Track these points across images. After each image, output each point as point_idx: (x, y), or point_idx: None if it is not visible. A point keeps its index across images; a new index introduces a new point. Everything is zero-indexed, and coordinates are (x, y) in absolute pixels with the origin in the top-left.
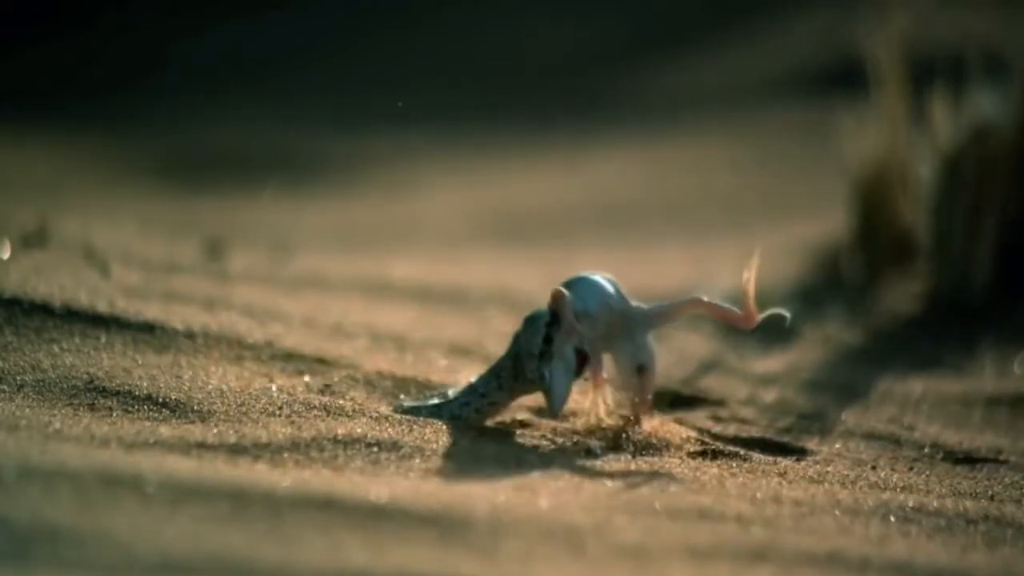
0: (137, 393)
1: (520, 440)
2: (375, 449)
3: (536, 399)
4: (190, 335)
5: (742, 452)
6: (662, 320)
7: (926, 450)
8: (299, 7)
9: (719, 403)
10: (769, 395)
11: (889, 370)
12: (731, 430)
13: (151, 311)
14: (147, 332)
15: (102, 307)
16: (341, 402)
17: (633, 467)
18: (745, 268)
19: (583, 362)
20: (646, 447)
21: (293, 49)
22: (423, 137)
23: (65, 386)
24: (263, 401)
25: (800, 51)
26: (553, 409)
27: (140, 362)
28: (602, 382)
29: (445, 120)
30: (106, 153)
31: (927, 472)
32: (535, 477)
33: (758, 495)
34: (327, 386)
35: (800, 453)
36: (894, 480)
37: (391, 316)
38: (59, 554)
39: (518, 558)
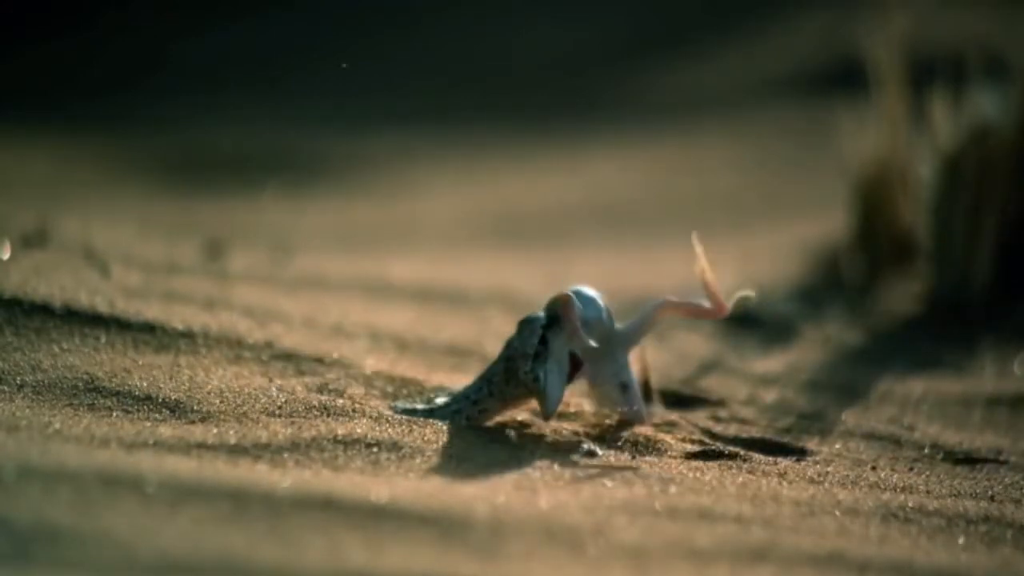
0: (137, 393)
1: (520, 440)
2: (375, 449)
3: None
4: (190, 335)
5: (742, 452)
6: (640, 335)
7: (926, 450)
8: (299, 7)
9: (719, 403)
10: (769, 395)
11: (889, 370)
12: (731, 430)
13: (151, 311)
14: (147, 332)
15: (102, 307)
16: (341, 402)
17: (633, 467)
18: (696, 263)
19: (575, 368)
20: (646, 447)
21: (293, 49)
22: (423, 137)
23: (65, 386)
24: (263, 401)
25: (800, 51)
26: (547, 411)
27: (140, 362)
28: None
29: (445, 120)
30: (106, 153)
31: (927, 472)
32: (535, 477)
33: (758, 495)
34: (327, 386)
35: (800, 453)
36: (894, 480)
37: (391, 316)
38: (59, 554)
39: (518, 558)
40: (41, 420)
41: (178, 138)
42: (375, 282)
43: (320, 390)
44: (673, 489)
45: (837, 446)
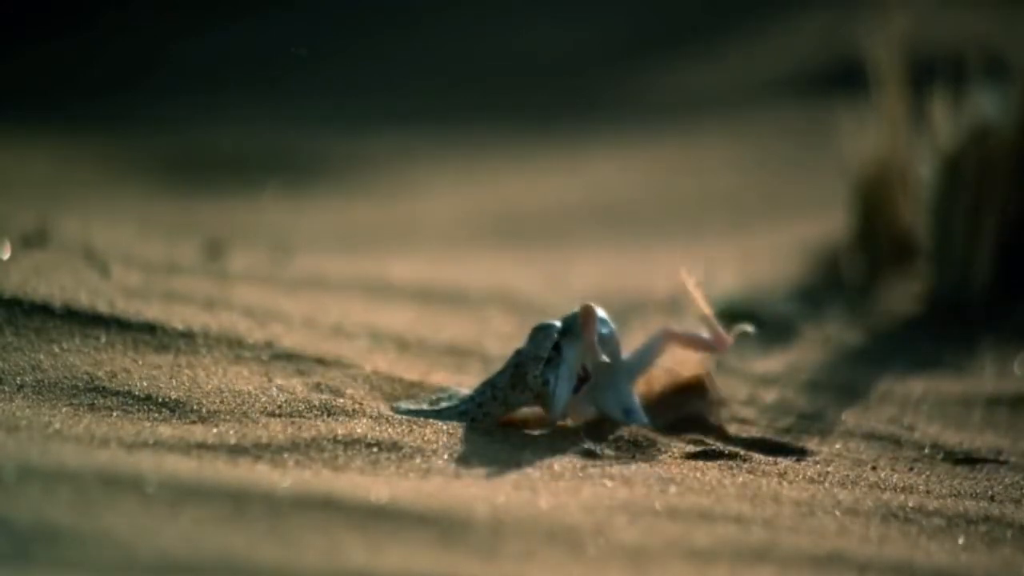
0: (137, 393)
1: (520, 440)
2: (375, 449)
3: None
4: (190, 335)
5: (742, 452)
6: (644, 367)
7: (926, 450)
8: (299, 7)
9: (719, 403)
10: (769, 395)
11: (889, 370)
12: (731, 430)
13: (151, 311)
14: (147, 332)
15: (102, 307)
16: (341, 402)
17: (633, 467)
18: (693, 301)
19: (582, 381)
20: (646, 447)
21: (293, 49)
22: (423, 137)
23: (65, 386)
24: (263, 401)
25: (800, 51)
26: (553, 414)
27: (140, 362)
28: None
29: (445, 120)
30: (106, 153)
31: (927, 472)
32: (535, 477)
33: (758, 495)
34: (327, 386)
35: (800, 453)
36: (894, 480)
37: (391, 316)
38: (59, 554)
39: (518, 558)
40: (41, 420)
41: (178, 138)
42: (375, 282)
43: (320, 390)
44: (673, 489)
45: (837, 446)
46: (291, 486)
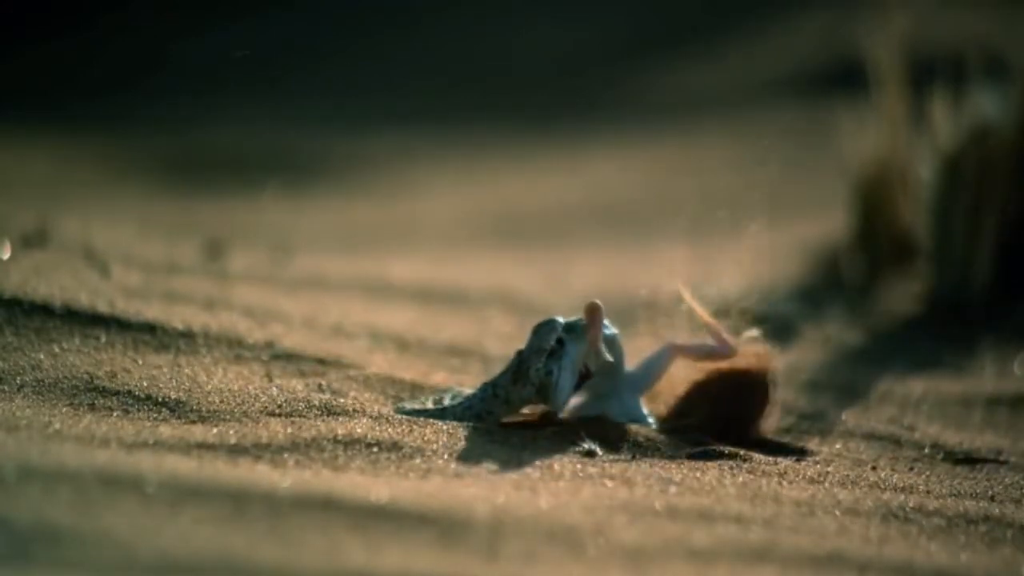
0: (137, 393)
1: (520, 440)
2: (375, 449)
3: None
4: (190, 335)
5: (742, 452)
6: (650, 381)
7: (926, 450)
8: (299, 7)
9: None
10: None
11: (889, 370)
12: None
13: (151, 311)
14: (147, 332)
15: (102, 307)
16: (341, 402)
17: (633, 468)
18: (693, 311)
19: (583, 378)
20: (646, 447)
21: (293, 49)
22: (423, 137)
23: (65, 386)
24: (263, 401)
25: (800, 51)
26: (556, 404)
27: (140, 362)
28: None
29: (445, 120)
30: (106, 153)
31: (927, 472)
32: (535, 477)
33: (758, 495)
34: (327, 386)
35: (800, 453)
36: (894, 480)
37: (391, 316)
38: (59, 554)
39: (518, 558)
40: (41, 420)
41: (178, 138)
42: (375, 282)
43: (320, 390)
44: (673, 489)
45: (837, 446)
46: (291, 486)
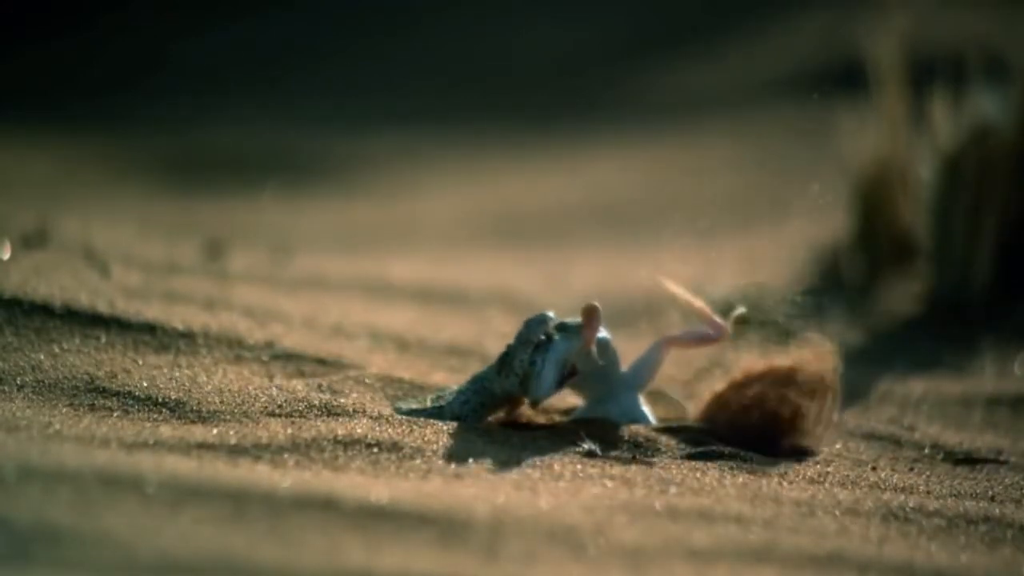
0: (137, 393)
1: (520, 440)
2: (375, 450)
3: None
4: (190, 336)
5: (742, 453)
6: (646, 378)
7: (926, 451)
8: (299, 7)
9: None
10: None
11: (889, 370)
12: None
13: (151, 312)
14: (147, 333)
15: (102, 307)
16: (341, 402)
17: (633, 468)
18: (676, 298)
19: (568, 376)
20: (646, 447)
21: (293, 49)
22: (423, 137)
23: (65, 386)
24: (263, 401)
25: (800, 51)
26: (535, 394)
27: (140, 362)
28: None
29: (445, 120)
30: (106, 153)
31: (927, 473)
32: (535, 477)
33: (758, 496)
34: (327, 386)
35: (800, 453)
36: (894, 481)
37: (391, 316)
38: (59, 554)
39: (518, 559)
40: (41, 420)
41: (178, 138)
42: (375, 282)
43: (320, 390)
44: (673, 489)
45: (837, 446)
46: (291, 486)
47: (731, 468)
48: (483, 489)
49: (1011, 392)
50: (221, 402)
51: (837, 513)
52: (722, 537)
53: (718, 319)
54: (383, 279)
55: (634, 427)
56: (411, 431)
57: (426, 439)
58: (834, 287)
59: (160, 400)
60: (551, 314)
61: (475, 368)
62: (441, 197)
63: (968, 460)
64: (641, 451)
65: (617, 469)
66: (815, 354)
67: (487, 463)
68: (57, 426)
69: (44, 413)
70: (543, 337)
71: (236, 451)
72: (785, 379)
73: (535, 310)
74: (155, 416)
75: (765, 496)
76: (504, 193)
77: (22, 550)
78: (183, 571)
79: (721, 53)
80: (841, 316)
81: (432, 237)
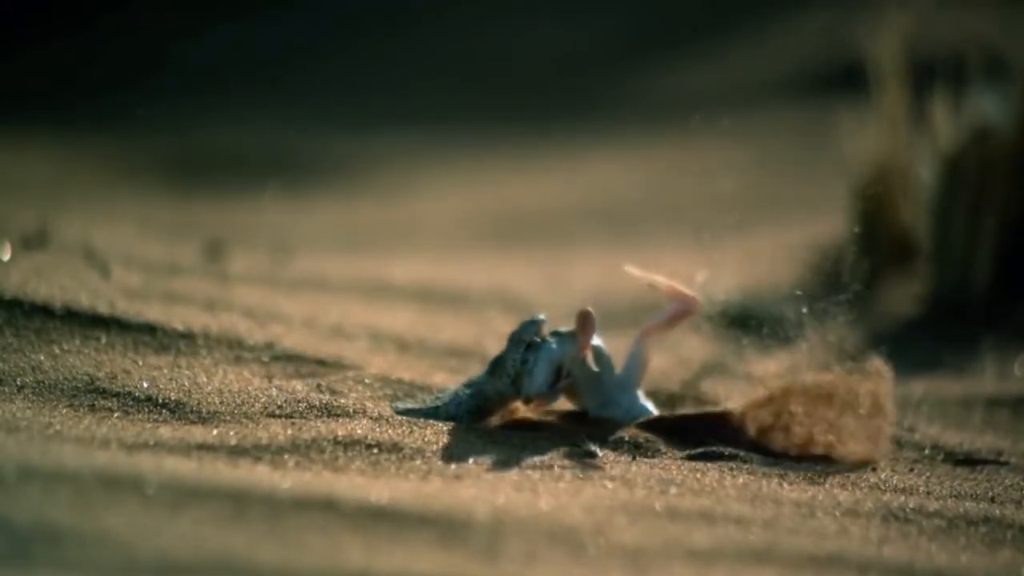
0: (137, 394)
1: (520, 441)
2: (375, 450)
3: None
4: (190, 336)
5: (742, 454)
6: (637, 376)
7: (926, 451)
8: (299, 7)
9: (719, 405)
10: None
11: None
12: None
13: (151, 312)
14: (147, 333)
15: (103, 308)
16: (341, 403)
17: (633, 468)
18: (642, 281)
19: (559, 377)
20: (646, 448)
21: (293, 49)
22: (424, 138)
23: (66, 387)
24: (263, 402)
25: (800, 52)
26: (527, 390)
27: (140, 363)
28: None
29: (446, 120)
30: (106, 154)
31: (927, 473)
32: (535, 478)
33: (758, 496)
34: (327, 387)
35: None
36: (894, 481)
37: (391, 317)
38: (59, 554)
39: (518, 559)
40: (41, 421)
41: (178, 138)
42: (375, 283)
43: (320, 391)
44: (673, 490)
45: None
46: (291, 487)
47: (731, 469)
48: (483, 490)
49: (1011, 393)
50: (221, 403)
51: (837, 514)
52: (722, 538)
53: (686, 291)
54: (383, 280)
55: (634, 428)
56: (411, 432)
57: (426, 440)
58: (834, 287)
59: (160, 401)
60: (543, 317)
61: (475, 369)
62: (441, 197)
63: (968, 461)
64: (641, 452)
65: (617, 470)
66: (870, 376)
67: (487, 464)
68: (57, 427)
69: (44, 414)
70: (536, 339)
71: (236, 452)
72: (833, 399)
73: (535, 310)
74: (155, 417)
75: (765, 497)
76: (504, 193)
77: (22, 550)
78: (183, 572)
79: (721, 53)
80: (841, 316)
81: (432, 238)
